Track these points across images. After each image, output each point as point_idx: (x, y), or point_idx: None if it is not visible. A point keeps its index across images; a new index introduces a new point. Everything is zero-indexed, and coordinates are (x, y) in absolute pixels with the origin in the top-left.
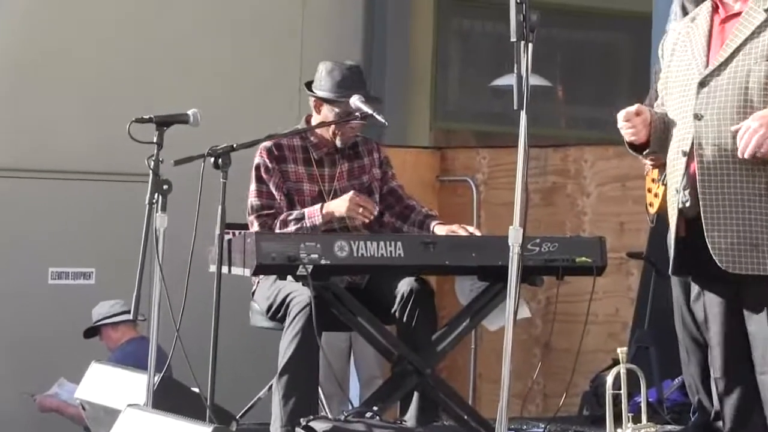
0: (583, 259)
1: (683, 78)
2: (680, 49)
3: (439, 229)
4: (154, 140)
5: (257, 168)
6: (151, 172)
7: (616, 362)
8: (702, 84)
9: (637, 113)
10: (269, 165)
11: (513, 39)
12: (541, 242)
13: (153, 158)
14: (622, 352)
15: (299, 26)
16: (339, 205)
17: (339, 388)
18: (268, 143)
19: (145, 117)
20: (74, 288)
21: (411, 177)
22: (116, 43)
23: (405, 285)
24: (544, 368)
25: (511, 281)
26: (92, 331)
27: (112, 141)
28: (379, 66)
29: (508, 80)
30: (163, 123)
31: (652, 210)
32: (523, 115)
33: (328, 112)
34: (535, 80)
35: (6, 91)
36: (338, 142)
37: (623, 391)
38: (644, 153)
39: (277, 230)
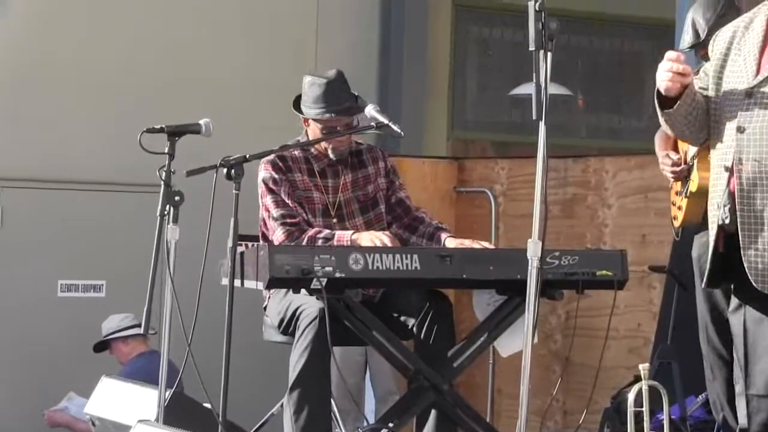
0: (604, 272)
1: (732, 86)
2: (733, 55)
3: (451, 242)
4: (166, 150)
5: (265, 182)
6: (162, 183)
7: (637, 378)
8: (749, 94)
9: (683, 73)
10: (276, 176)
11: (531, 48)
12: (561, 255)
13: (164, 169)
14: (644, 368)
15: (314, 36)
16: (368, 242)
17: (353, 403)
18: (270, 157)
19: (156, 127)
20: (84, 301)
21: (428, 188)
22: (129, 53)
23: (423, 299)
24: (564, 384)
25: (529, 296)
26: (102, 345)
27: (124, 151)
28: (395, 75)
29: (527, 89)
30: (174, 133)
31: (677, 224)
32: (542, 125)
33: (315, 127)
34: (555, 89)
35: (15, 100)
36: (331, 155)
37: (645, 409)
38: (666, 111)
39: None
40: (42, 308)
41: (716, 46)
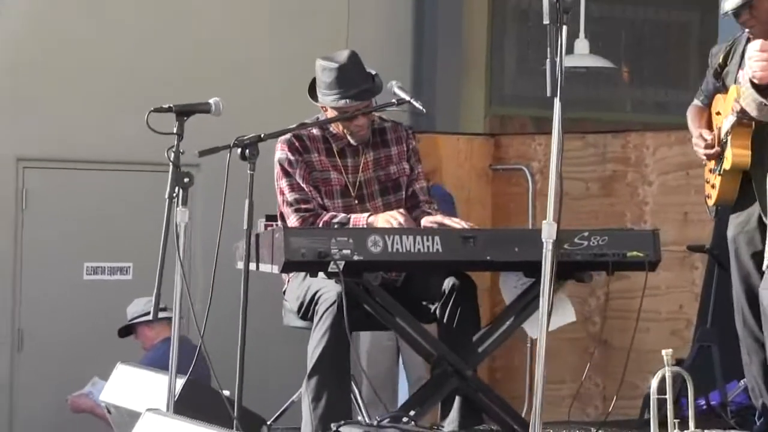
0: (635, 253)
1: None
2: None
3: (425, 222)
4: (174, 131)
5: (281, 163)
6: (171, 164)
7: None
8: None
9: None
10: (292, 158)
11: (546, 21)
12: (590, 235)
13: (173, 149)
14: (666, 354)
15: (346, 6)
16: (384, 223)
17: (383, 389)
18: (287, 136)
19: (164, 106)
20: (110, 284)
21: (463, 165)
22: (155, 32)
23: (446, 281)
24: (603, 368)
25: (544, 281)
26: (127, 330)
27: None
28: (430, 49)
29: (569, 61)
30: (182, 112)
31: (711, 202)
32: (557, 102)
33: (331, 113)
34: (597, 62)
35: (38, 79)
36: (351, 140)
37: (669, 396)
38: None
39: None
40: (67, 292)
41: None
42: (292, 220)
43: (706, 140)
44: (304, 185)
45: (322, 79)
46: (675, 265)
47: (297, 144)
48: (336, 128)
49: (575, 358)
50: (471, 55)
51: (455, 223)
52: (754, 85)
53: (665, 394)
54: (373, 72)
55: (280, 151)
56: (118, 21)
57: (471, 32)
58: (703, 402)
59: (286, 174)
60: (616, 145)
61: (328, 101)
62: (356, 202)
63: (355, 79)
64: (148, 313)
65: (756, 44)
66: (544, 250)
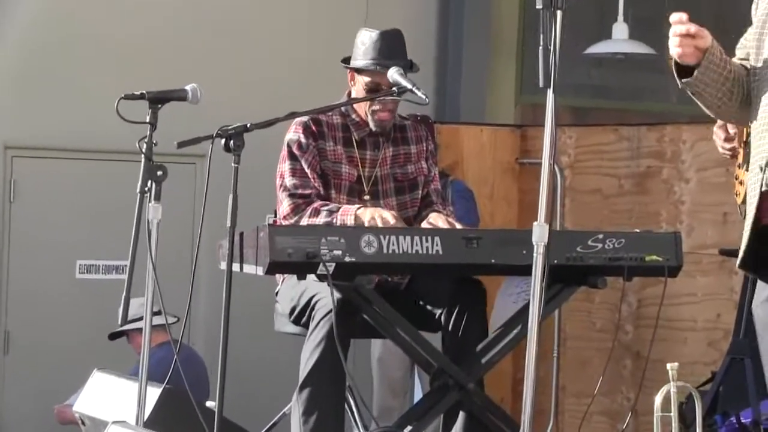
0: (654, 257)
1: None
2: None
3: (424, 222)
4: (147, 120)
5: (289, 145)
6: (143, 156)
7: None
8: None
9: (694, 35)
10: (303, 141)
11: (539, 6)
12: (605, 238)
13: (145, 140)
14: (672, 368)
15: None
16: (370, 219)
17: (398, 399)
18: (304, 118)
19: (135, 93)
20: (104, 283)
21: (487, 159)
22: (160, 20)
23: (452, 285)
24: (635, 381)
25: (534, 287)
26: (118, 333)
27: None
28: (456, 31)
29: (606, 47)
30: (156, 100)
31: (739, 200)
32: (550, 93)
33: (360, 86)
34: (636, 48)
35: (31, 64)
36: (372, 126)
37: (673, 414)
38: (684, 81)
39: (307, 217)
40: (59, 291)
41: (759, 9)
42: (285, 206)
43: (727, 133)
44: (308, 171)
45: (359, 46)
46: (713, 270)
47: (313, 128)
48: (358, 114)
49: (607, 371)
50: (501, 39)
51: (447, 222)
52: (677, 65)
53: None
54: (412, 60)
55: (293, 132)
56: (117, 6)
57: (500, 13)
58: (734, 420)
59: (292, 157)
60: (650, 139)
61: (361, 64)
62: (368, 197)
63: (395, 51)
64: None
65: (671, 17)
66: (534, 254)
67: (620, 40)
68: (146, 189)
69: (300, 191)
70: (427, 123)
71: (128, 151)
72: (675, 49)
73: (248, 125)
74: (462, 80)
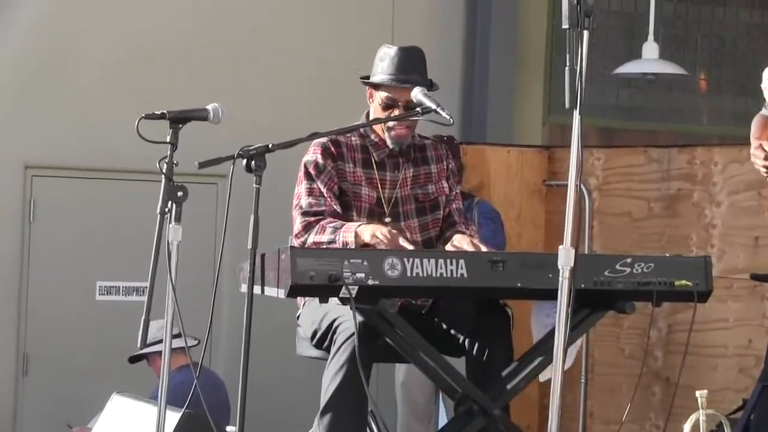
0: (683, 282)
1: None
2: None
3: (456, 241)
4: (168, 140)
5: (306, 165)
6: (163, 176)
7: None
8: None
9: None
10: (321, 162)
11: (565, 26)
12: (633, 262)
13: (166, 161)
14: (701, 395)
15: (391, 4)
16: (368, 233)
17: (421, 423)
18: (323, 139)
19: (156, 113)
20: (125, 305)
21: (513, 181)
22: (174, 34)
23: (476, 309)
24: (664, 408)
25: (560, 313)
26: (138, 357)
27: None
28: (482, 48)
29: (636, 67)
30: (177, 120)
31: None
32: (576, 115)
33: (377, 102)
34: (668, 68)
35: (46, 83)
36: (390, 143)
37: None
38: None
39: (313, 236)
40: (78, 313)
41: None
42: (297, 225)
43: (766, 151)
44: (324, 191)
45: (378, 63)
46: (745, 296)
47: (332, 149)
48: (377, 134)
49: (636, 397)
50: (528, 56)
51: (472, 244)
52: None
53: None
54: (432, 79)
55: (311, 154)
56: (134, 22)
57: (528, 30)
58: None
59: (309, 177)
60: (681, 161)
61: (378, 79)
62: (389, 219)
63: (413, 67)
64: (173, 337)
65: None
66: (560, 278)
67: (650, 59)
68: (166, 210)
69: (314, 209)
70: (452, 143)
71: (149, 171)
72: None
73: (270, 145)
74: (488, 99)
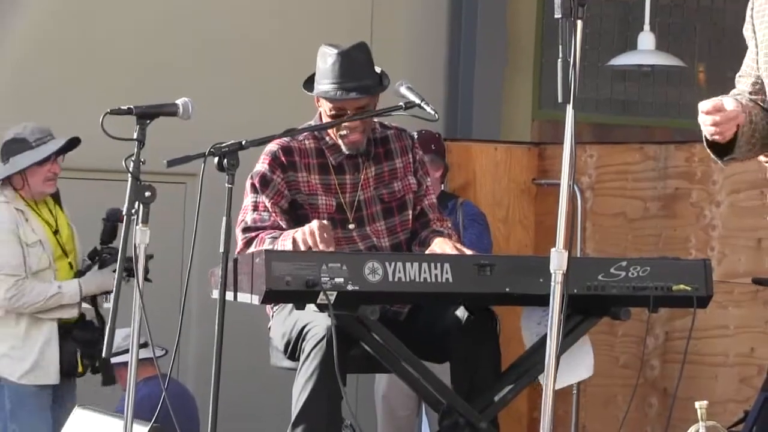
0: (682, 287)
1: None
2: None
3: (436, 246)
4: (135, 136)
5: (252, 177)
6: (130, 175)
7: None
8: None
9: (719, 109)
10: (268, 174)
11: (557, 15)
12: (629, 265)
13: (132, 159)
14: (701, 406)
15: None
16: (300, 239)
17: None
18: (273, 147)
19: (122, 108)
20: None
21: (501, 180)
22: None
23: (461, 314)
24: (662, 421)
25: (552, 320)
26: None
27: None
28: (468, 39)
29: (631, 58)
30: (144, 115)
31: None
32: (569, 110)
33: (325, 112)
34: (664, 59)
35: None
36: (345, 150)
37: None
38: (725, 158)
39: (253, 249)
40: None
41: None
42: (239, 243)
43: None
44: (269, 206)
45: (320, 67)
46: (746, 301)
47: (282, 158)
48: (332, 138)
49: (631, 409)
50: (517, 48)
51: (456, 248)
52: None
53: None
54: (379, 70)
55: (259, 164)
56: (101, 18)
57: (517, 19)
58: None
59: (254, 191)
60: (679, 158)
61: (321, 91)
62: (353, 226)
63: (357, 71)
64: (128, 350)
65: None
66: (552, 283)
67: (646, 51)
68: (133, 211)
69: (257, 225)
70: (437, 141)
71: (114, 170)
72: (715, 136)
73: (243, 142)
74: (474, 93)
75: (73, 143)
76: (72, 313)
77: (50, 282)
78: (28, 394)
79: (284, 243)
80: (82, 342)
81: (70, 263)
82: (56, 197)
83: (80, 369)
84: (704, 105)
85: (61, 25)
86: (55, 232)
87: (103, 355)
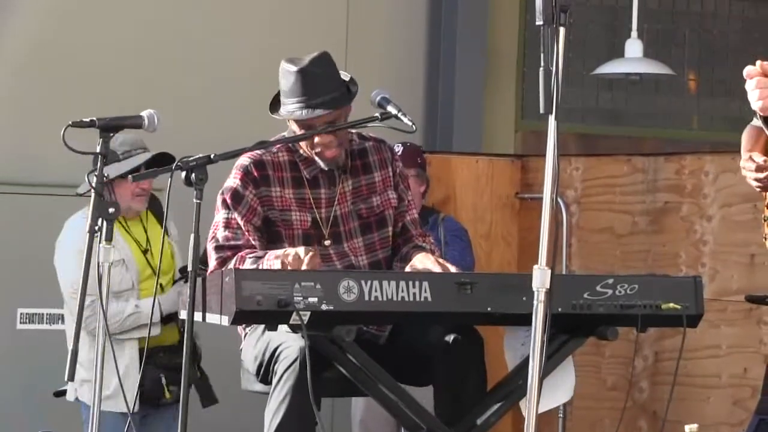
0: (671, 305)
1: None
2: None
3: (417, 261)
4: (97, 150)
5: (223, 192)
6: (93, 191)
7: None
8: None
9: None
10: (240, 190)
11: (539, 22)
12: (616, 283)
13: (96, 173)
14: (691, 430)
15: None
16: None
17: None
18: (245, 160)
19: (84, 120)
20: (49, 334)
21: (483, 193)
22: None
23: (443, 334)
24: None
25: (534, 340)
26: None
27: None
28: (448, 47)
29: (618, 66)
30: (108, 128)
31: None
32: (552, 120)
33: (294, 130)
34: (652, 67)
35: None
36: (322, 165)
37: None
38: None
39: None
40: None
41: None
42: (212, 261)
43: (756, 162)
44: (242, 223)
45: (283, 85)
46: (739, 320)
47: (255, 173)
48: (306, 151)
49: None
50: (499, 56)
51: (438, 263)
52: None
53: None
54: (347, 77)
55: (231, 179)
56: (67, 29)
57: (499, 27)
58: None
59: (226, 207)
60: (668, 170)
61: (286, 111)
62: (329, 242)
63: (320, 86)
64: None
65: (746, 72)
66: (535, 302)
67: (634, 58)
68: (96, 228)
69: (230, 243)
70: (418, 153)
71: (76, 185)
72: (756, 103)
73: (212, 156)
74: (455, 103)
75: (163, 158)
76: (155, 333)
77: (126, 301)
78: (109, 422)
79: (270, 263)
80: (167, 367)
81: (161, 284)
82: (157, 213)
83: (167, 395)
84: (749, 69)
85: (40, 43)
86: (145, 252)
87: (66, 378)
